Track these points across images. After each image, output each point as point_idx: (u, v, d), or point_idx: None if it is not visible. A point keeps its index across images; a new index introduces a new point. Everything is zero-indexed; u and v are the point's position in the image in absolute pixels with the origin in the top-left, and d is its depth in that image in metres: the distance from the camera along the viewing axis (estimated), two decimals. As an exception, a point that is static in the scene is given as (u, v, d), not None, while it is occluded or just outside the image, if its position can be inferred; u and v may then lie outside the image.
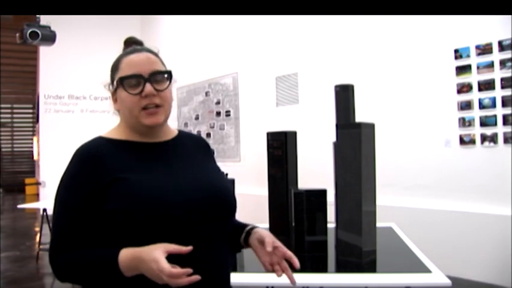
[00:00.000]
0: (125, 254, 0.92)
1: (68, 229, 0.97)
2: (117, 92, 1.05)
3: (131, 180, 0.97)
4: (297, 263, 1.03)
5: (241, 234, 1.13)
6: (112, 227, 0.95)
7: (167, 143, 1.11)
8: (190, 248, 0.89)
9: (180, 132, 1.17)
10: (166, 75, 1.05)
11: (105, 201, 0.96)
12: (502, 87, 3.62)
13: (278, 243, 1.05)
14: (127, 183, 0.96)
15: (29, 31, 5.38)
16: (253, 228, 1.13)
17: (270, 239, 1.05)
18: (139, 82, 1.01)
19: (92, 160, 0.99)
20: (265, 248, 1.04)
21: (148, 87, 1.01)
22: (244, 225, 1.16)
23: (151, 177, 0.99)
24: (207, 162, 1.16)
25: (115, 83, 1.05)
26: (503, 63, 3.62)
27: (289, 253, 1.04)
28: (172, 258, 0.89)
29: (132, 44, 1.14)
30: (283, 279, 1.07)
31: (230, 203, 1.07)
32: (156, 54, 1.09)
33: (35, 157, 11.48)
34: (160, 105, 1.03)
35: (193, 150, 1.14)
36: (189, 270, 0.85)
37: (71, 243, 0.96)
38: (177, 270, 0.84)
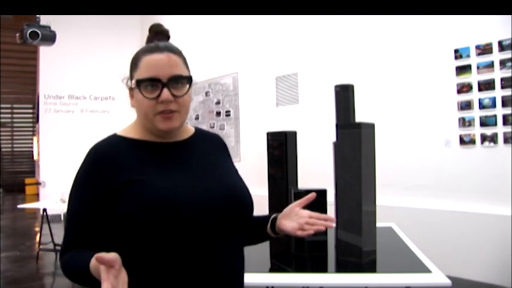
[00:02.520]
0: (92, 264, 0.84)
1: (78, 229, 0.97)
2: (134, 90, 1.00)
3: (146, 182, 0.94)
4: (332, 218, 1.10)
5: (267, 224, 1.13)
6: (127, 229, 0.93)
7: (184, 142, 1.07)
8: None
9: (197, 130, 1.14)
10: (185, 80, 1.00)
11: (119, 204, 0.93)
12: (502, 87, 3.62)
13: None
14: (142, 185, 0.94)
15: (29, 31, 5.38)
16: (277, 215, 1.14)
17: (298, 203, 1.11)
18: (156, 86, 0.96)
19: (106, 160, 0.96)
20: (296, 209, 1.10)
21: (165, 93, 0.96)
22: (267, 216, 1.16)
23: (167, 179, 0.96)
24: (224, 161, 1.12)
25: (132, 82, 1.00)
26: (503, 63, 3.62)
27: (317, 213, 1.09)
28: (187, 259, 0.91)
29: (156, 35, 1.08)
30: (283, 280, 1.07)
31: (247, 204, 1.05)
32: (180, 54, 1.04)
33: (35, 157, 11.48)
34: (176, 110, 0.98)
35: (210, 149, 1.11)
36: None
37: (79, 242, 0.96)
38: None
